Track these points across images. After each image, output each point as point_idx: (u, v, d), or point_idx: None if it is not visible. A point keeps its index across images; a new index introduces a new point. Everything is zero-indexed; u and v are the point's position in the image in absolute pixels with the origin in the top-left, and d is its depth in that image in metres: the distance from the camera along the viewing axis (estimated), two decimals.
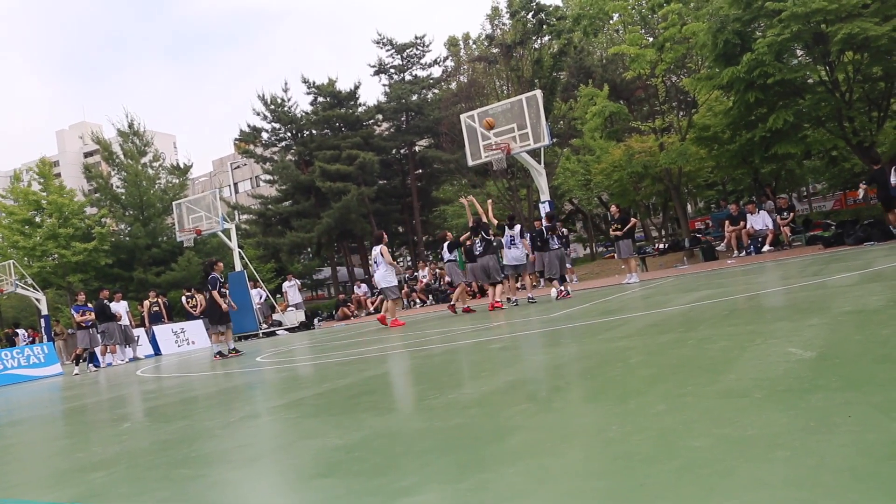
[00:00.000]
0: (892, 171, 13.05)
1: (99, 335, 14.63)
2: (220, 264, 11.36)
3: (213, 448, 3.27)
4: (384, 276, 12.50)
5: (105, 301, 15.24)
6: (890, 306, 4.31)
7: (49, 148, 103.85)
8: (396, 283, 12.88)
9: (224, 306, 10.83)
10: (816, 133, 17.81)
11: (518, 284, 13.99)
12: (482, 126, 15.10)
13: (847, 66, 16.60)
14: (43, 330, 23.80)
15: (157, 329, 18.32)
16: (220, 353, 10.84)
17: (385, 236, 13.11)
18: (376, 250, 12.67)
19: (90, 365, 14.58)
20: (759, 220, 16.80)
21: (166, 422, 4.45)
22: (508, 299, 13.41)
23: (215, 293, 10.84)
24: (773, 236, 16.37)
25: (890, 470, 1.60)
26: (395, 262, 13.53)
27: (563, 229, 19.59)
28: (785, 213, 17.15)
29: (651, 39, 23.00)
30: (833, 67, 16.81)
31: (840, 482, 1.57)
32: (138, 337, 17.33)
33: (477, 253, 12.89)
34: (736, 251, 16.81)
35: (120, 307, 16.18)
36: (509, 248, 12.85)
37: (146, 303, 20.08)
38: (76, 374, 13.61)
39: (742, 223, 16.95)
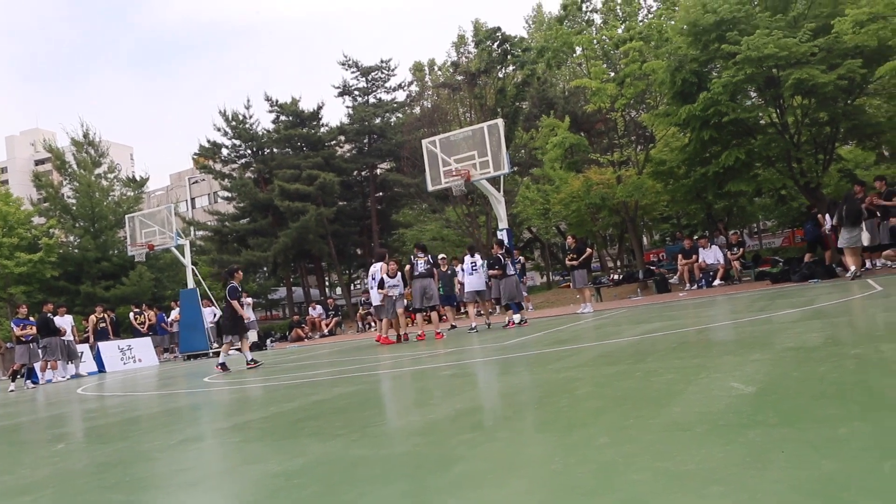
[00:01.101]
0: (827, 215, 13.55)
1: (40, 350, 14.09)
2: (240, 273, 11.06)
3: (149, 472, 3.16)
4: (378, 295, 12.32)
5: (49, 315, 14.73)
6: (828, 344, 4.45)
7: None
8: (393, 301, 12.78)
9: (245, 315, 10.56)
10: (767, 172, 18.42)
11: (475, 311, 14.00)
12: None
13: (796, 109, 17.28)
14: None
15: (102, 345, 17.74)
16: (223, 364, 10.41)
17: (387, 254, 13.01)
18: (375, 267, 12.47)
19: (27, 381, 14.00)
20: (711, 255, 17.25)
21: (104, 443, 4.29)
22: (453, 326, 13.41)
23: (235, 303, 10.52)
24: (723, 271, 16.83)
25: None
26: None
27: (521, 257, 19.77)
28: (736, 249, 17.67)
29: (612, 74, 23.59)
30: (783, 110, 17.48)
31: None
32: (82, 353, 16.74)
33: (417, 273, 12.84)
34: (688, 284, 17.20)
35: (64, 321, 15.65)
36: (471, 274, 12.84)
37: (92, 317, 19.44)
38: (11, 391, 13.03)
39: (694, 257, 17.38)
